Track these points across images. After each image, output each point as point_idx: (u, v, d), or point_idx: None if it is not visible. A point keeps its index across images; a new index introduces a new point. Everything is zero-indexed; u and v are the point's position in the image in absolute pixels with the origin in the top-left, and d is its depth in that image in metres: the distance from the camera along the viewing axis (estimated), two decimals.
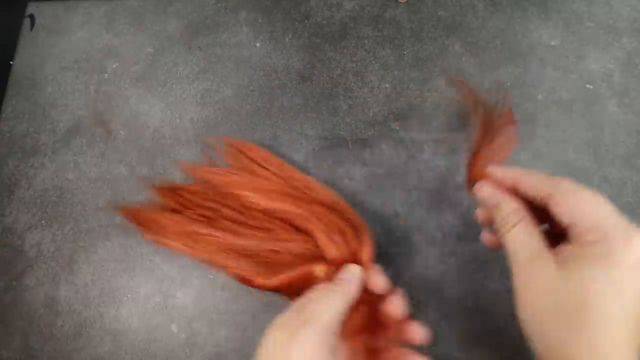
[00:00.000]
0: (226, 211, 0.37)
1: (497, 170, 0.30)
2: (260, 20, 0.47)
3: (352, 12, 0.46)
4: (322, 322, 0.26)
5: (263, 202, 0.36)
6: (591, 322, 0.22)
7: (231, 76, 0.45)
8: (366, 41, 0.45)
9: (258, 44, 0.46)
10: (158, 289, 0.39)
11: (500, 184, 0.29)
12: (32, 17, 0.49)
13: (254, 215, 0.37)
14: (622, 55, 0.43)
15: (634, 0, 0.45)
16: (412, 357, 0.29)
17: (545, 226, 0.28)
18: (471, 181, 0.32)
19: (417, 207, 0.39)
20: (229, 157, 0.41)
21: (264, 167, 0.39)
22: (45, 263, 0.40)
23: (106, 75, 0.46)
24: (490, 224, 0.32)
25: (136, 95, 0.45)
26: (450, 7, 0.46)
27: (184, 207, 0.38)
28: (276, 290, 0.34)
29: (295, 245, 0.35)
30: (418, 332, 0.30)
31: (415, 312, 0.36)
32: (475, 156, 0.33)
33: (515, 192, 0.28)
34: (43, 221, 0.42)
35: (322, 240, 0.33)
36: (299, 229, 0.35)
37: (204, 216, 0.37)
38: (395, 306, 0.30)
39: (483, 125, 0.35)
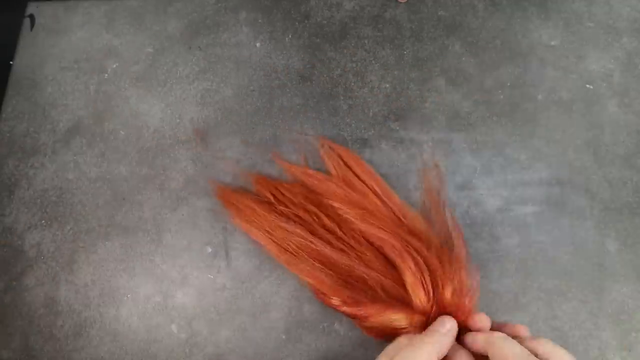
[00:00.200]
0: (325, 220, 0.36)
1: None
2: (260, 20, 0.47)
3: (352, 12, 0.46)
4: None
5: (359, 221, 0.35)
6: None
7: (231, 76, 0.45)
8: (366, 41, 0.45)
9: (258, 44, 0.46)
10: (158, 289, 0.39)
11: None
12: (32, 17, 0.49)
13: (350, 232, 0.35)
14: (622, 55, 0.43)
15: (634, 0, 0.45)
16: None
17: None
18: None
19: (417, 207, 0.39)
20: (328, 161, 0.39)
21: (362, 181, 0.38)
22: (45, 263, 0.40)
23: (106, 75, 0.46)
24: None
25: (136, 95, 0.45)
26: (450, 7, 0.46)
27: (280, 202, 0.38)
28: (351, 317, 0.34)
29: (387, 282, 0.33)
30: (520, 329, 0.29)
31: None
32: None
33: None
34: (43, 221, 0.42)
35: (412, 284, 0.31)
36: (389, 260, 0.34)
37: (299, 217, 0.37)
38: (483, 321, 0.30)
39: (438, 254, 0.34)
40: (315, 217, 0.37)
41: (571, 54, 0.43)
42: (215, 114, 0.44)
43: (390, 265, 0.34)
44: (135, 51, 0.47)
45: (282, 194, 0.38)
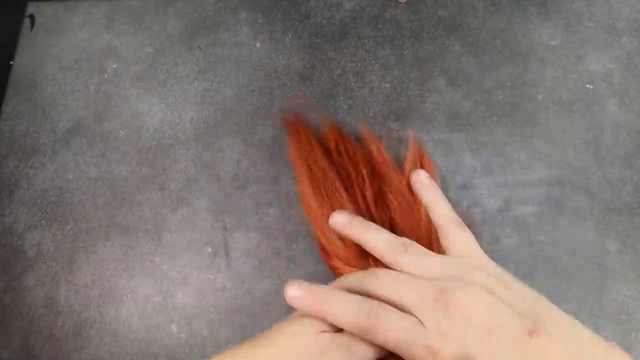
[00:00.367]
0: (368, 190, 0.36)
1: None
2: (260, 20, 0.47)
3: (352, 12, 0.46)
4: None
5: (397, 221, 0.35)
6: None
7: (231, 76, 0.45)
8: (366, 41, 0.45)
9: (258, 44, 0.46)
10: (158, 289, 0.39)
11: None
12: (32, 17, 0.49)
13: (382, 217, 0.35)
14: (622, 55, 0.43)
15: (634, 0, 0.45)
16: None
17: None
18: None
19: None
20: (409, 159, 0.39)
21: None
22: (45, 263, 0.40)
23: (106, 75, 0.46)
24: None
25: (136, 95, 0.45)
26: (450, 7, 0.46)
27: (338, 153, 0.38)
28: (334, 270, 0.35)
29: None
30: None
31: None
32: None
33: None
34: (43, 221, 0.42)
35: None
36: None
37: (347, 173, 0.37)
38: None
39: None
40: (360, 182, 0.36)
41: (571, 54, 0.43)
42: (215, 114, 0.44)
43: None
44: (135, 51, 0.47)
45: (345, 149, 0.39)
